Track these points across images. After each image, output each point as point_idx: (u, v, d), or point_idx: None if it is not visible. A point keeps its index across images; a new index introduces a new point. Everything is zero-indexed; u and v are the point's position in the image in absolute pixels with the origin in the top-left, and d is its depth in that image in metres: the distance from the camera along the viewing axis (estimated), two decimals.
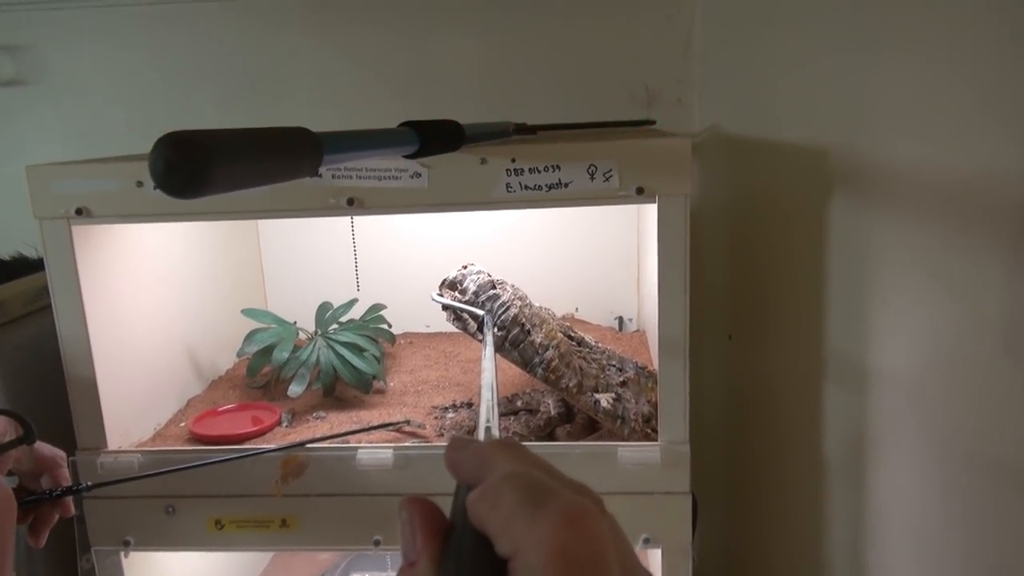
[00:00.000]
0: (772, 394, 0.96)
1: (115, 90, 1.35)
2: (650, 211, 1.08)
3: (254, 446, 0.79)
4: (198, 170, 0.30)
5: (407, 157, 0.58)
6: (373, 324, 1.05)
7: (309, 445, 0.78)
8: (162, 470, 0.72)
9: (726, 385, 1.14)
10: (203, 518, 0.80)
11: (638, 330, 1.22)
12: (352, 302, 1.03)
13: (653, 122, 1.15)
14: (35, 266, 0.95)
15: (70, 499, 0.57)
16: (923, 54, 0.56)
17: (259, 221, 1.21)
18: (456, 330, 1.24)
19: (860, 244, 0.68)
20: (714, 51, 1.25)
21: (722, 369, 1.15)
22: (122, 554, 0.81)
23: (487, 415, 0.39)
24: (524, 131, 0.96)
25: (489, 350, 0.61)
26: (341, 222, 1.21)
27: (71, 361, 0.77)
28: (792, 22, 0.89)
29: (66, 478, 0.57)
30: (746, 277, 1.06)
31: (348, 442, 0.82)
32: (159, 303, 0.94)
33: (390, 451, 0.77)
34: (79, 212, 0.73)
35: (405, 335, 1.23)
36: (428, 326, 1.25)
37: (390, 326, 1.09)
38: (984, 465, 0.50)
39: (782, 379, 0.92)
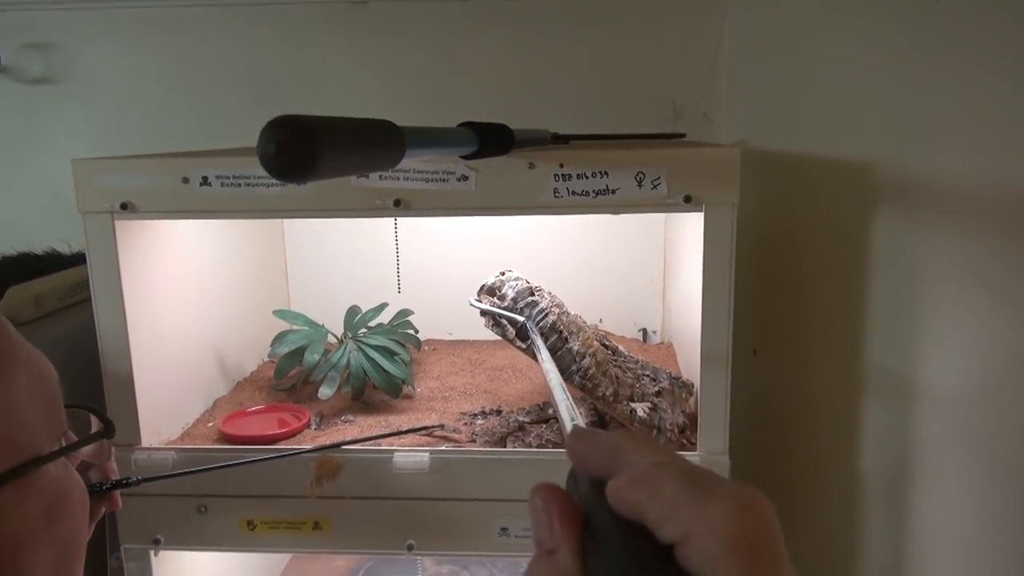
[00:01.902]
0: (805, 410, 0.95)
1: (143, 91, 1.36)
2: (679, 223, 1.09)
3: (291, 446, 0.79)
4: (309, 155, 0.30)
5: (464, 158, 0.58)
6: (401, 329, 1.04)
7: (344, 447, 0.77)
8: (202, 468, 0.71)
9: (752, 400, 1.13)
10: (235, 518, 0.79)
11: (662, 342, 1.21)
12: (382, 306, 1.03)
13: (683, 135, 1.15)
14: (68, 261, 0.95)
15: (118, 493, 0.56)
16: (972, 65, 0.56)
17: (285, 221, 1.21)
18: (480, 338, 1.25)
19: (907, 258, 0.68)
20: (741, 67, 1.25)
21: (747, 384, 1.14)
22: (152, 553, 0.80)
23: (569, 413, 0.38)
24: (558, 141, 0.96)
25: (545, 352, 0.61)
26: (368, 224, 1.21)
27: (108, 356, 0.76)
28: (825, 37, 0.89)
29: (115, 471, 0.56)
30: (773, 292, 1.06)
31: (380, 445, 0.82)
32: (190, 301, 0.93)
33: (426, 455, 0.77)
34: (123, 207, 0.73)
35: (428, 342, 1.23)
36: (451, 333, 1.25)
37: (417, 332, 1.09)
38: None
39: (816, 395, 0.91)
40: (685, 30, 1.31)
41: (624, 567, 0.23)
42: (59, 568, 0.41)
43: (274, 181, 0.68)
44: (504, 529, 0.77)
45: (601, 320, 1.24)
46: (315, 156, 0.30)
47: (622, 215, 1.10)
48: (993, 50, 0.55)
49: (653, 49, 1.32)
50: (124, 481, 0.58)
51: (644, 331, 1.22)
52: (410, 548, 0.78)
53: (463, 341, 1.24)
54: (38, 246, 1.01)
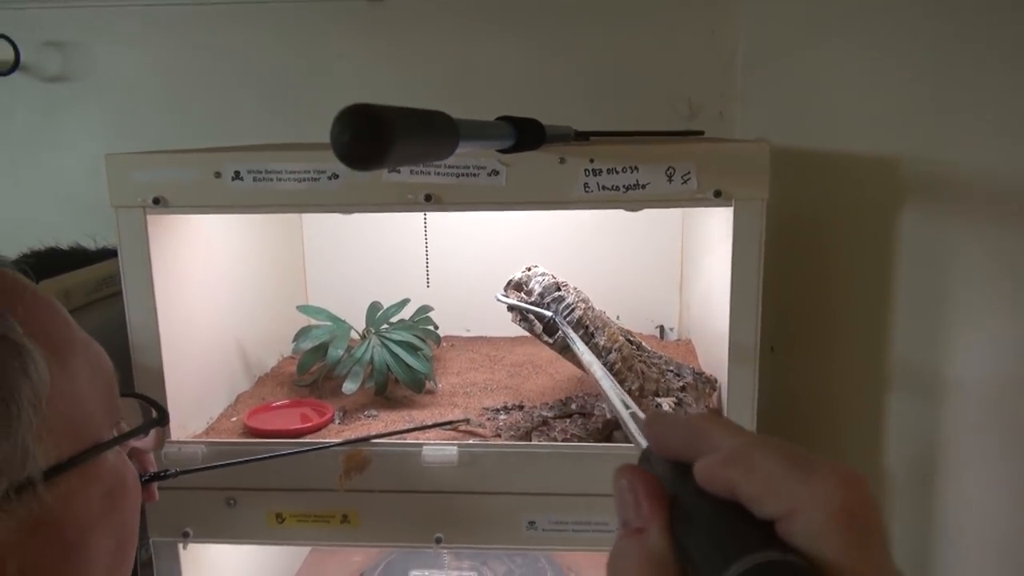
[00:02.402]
0: (827, 407, 0.96)
1: (159, 88, 1.36)
2: (697, 220, 1.09)
3: (321, 440, 0.79)
4: (382, 144, 0.30)
5: (500, 151, 0.58)
6: (422, 325, 1.05)
7: (374, 441, 0.78)
8: (237, 460, 0.72)
9: (769, 397, 1.14)
10: (263, 511, 0.80)
11: (679, 339, 1.22)
12: (404, 302, 1.04)
13: (702, 133, 1.16)
14: (94, 256, 0.95)
15: (155, 485, 0.57)
16: (995, 57, 0.57)
17: (304, 216, 1.22)
18: (497, 335, 1.25)
19: (937, 254, 0.69)
20: (757, 65, 1.26)
21: (765, 380, 1.15)
22: (180, 545, 0.80)
23: (620, 400, 0.39)
24: (579, 137, 0.97)
25: (581, 344, 0.62)
26: (386, 219, 1.21)
27: (139, 350, 0.77)
28: (839, 34, 0.90)
29: (152, 463, 0.57)
30: (791, 288, 1.06)
31: (405, 439, 0.82)
32: (214, 296, 0.94)
33: (455, 449, 0.77)
34: (156, 201, 0.74)
35: (446, 338, 1.23)
36: (468, 330, 1.26)
37: (437, 328, 1.09)
38: None
39: (840, 391, 0.92)
40: (700, 28, 1.31)
41: (721, 542, 0.24)
42: (116, 553, 0.42)
43: (307, 175, 0.69)
44: (532, 522, 0.78)
45: (618, 317, 1.24)
46: (387, 145, 0.30)
47: (640, 211, 1.11)
48: (1016, 42, 0.55)
49: (670, 48, 1.32)
50: (162, 473, 0.59)
51: (661, 328, 1.23)
52: (438, 541, 0.78)
53: (481, 338, 1.24)
54: (56, 242, 1.01)
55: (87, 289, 0.86)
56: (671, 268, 1.22)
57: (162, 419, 0.49)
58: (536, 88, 1.34)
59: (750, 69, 1.29)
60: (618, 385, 0.42)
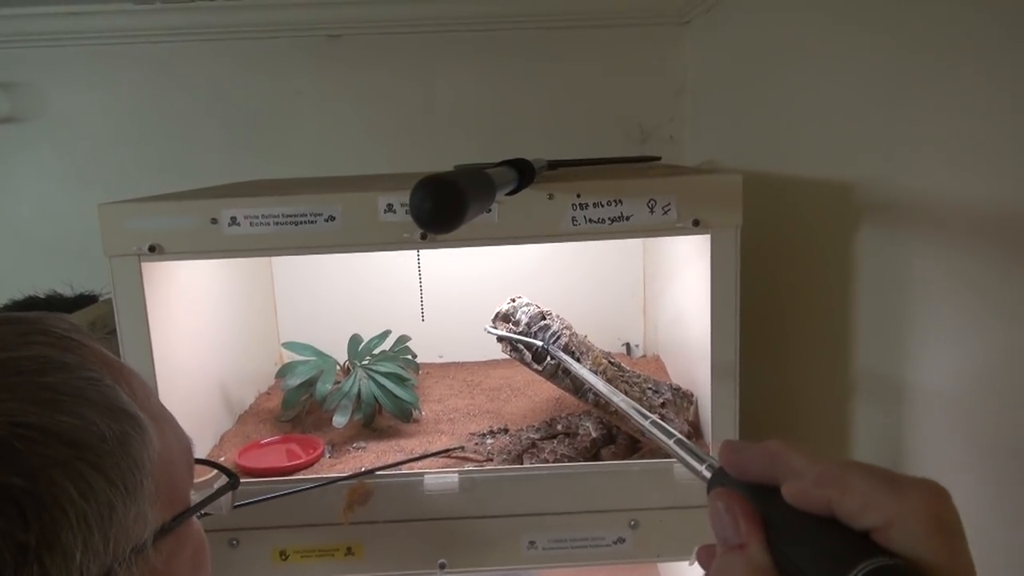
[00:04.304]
0: (794, 416, 1.02)
1: (115, 128, 1.35)
2: (657, 245, 1.15)
3: (328, 474, 0.81)
4: (458, 211, 0.33)
5: (507, 194, 0.62)
6: (402, 355, 1.07)
7: (378, 473, 0.80)
8: (254, 499, 0.73)
9: (740, 408, 1.19)
10: (267, 550, 0.80)
11: (645, 355, 1.27)
12: (386, 334, 1.06)
13: (659, 158, 1.22)
14: (73, 303, 0.95)
15: None
16: (943, 79, 0.64)
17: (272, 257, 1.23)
18: (470, 360, 1.28)
19: (893, 270, 0.75)
20: (705, 90, 1.33)
21: None
22: None
23: (635, 409, 0.42)
24: (549, 167, 1.01)
25: (576, 366, 0.65)
26: (354, 257, 1.23)
27: None
28: (790, 60, 0.97)
29: None
30: (756, 304, 1.13)
31: (401, 469, 0.84)
32: (198, 337, 0.94)
33: (455, 475, 0.80)
34: (152, 249, 0.74)
35: (420, 366, 1.25)
36: (441, 356, 1.28)
37: (415, 356, 1.11)
38: None
39: (806, 402, 0.98)
40: (650, 56, 1.38)
41: (832, 552, 0.28)
42: None
43: (304, 219, 0.71)
44: (532, 542, 0.81)
45: (586, 336, 1.29)
46: (463, 212, 0.34)
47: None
48: (964, 67, 0.62)
49: (621, 75, 1.39)
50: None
51: (628, 345, 1.28)
52: (442, 567, 0.81)
53: (454, 363, 1.27)
54: (34, 290, 1.00)
55: None
56: (634, 288, 1.28)
57: (234, 483, 0.51)
58: (495, 119, 1.39)
59: (698, 94, 1.36)
60: (644, 410, 0.46)
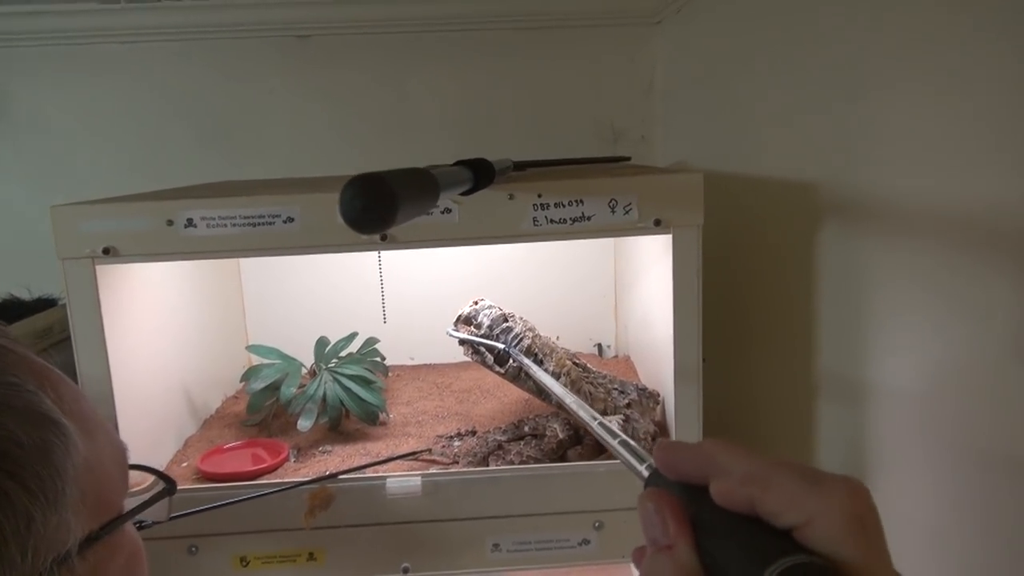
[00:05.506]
0: (758, 415, 1.02)
1: (80, 130, 1.33)
2: (628, 245, 1.15)
3: (290, 480, 0.80)
4: (389, 210, 0.33)
5: (462, 194, 0.61)
6: (370, 357, 1.06)
7: (340, 476, 0.79)
8: (207, 507, 0.72)
9: (704, 407, 1.20)
10: (227, 556, 0.79)
11: (616, 356, 1.27)
12: (352, 336, 1.05)
13: (629, 158, 1.22)
14: (31, 307, 0.93)
15: None
16: (912, 88, 0.64)
17: (241, 259, 1.21)
18: (441, 362, 1.27)
19: (855, 269, 0.75)
20: (676, 91, 1.33)
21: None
22: None
23: (603, 427, 0.42)
24: (516, 168, 1.01)
25: (533, 368, 0.65)
26: (321, 259, 1.22)
27: (93, 402, 0.76)
28: (757, 62, 0.97)
29: None
30: (720, 303, 1.13)
31: (365, 473, 0.83)
32: (159, 341, 0.93)
33: (418, 479, 0.79)
34: (106, 251, 0.73)
35: (391, 368, 1.24)
36: (412, 358, 1.27)
37: (383, 359, 1.11)
38: (998, 461, 0.57)
39: (770, 400, 0.98)
40: (620, 56, 1.38)
41: (752, 550, 0.28)
42: None
43: (263, 220, 0.70)
44: (496, 545, 0.80)
45: (558, 337, 1.28)
46: (395, 211, 0.33)
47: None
48: (924, 68, 0.62)
49: (592, 76, 1.38)
50: (137, 525, 0.59)
51: (599, 346, 1.28)
52: (405, 571, 0.80)
53: (425, 365, 1.26)
54: None
55: (29, 341, 0.84)
56: (605, 288, 1.27)
57: (172, 489, 0.50)
58: (467, 120, 1.38)
59: (669, 94, 1.36)
60: (593, 411, 0.46)
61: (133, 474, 0.51)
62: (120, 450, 0.44)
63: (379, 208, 0.33)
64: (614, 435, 0.40)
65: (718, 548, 0.29)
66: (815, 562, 0.27)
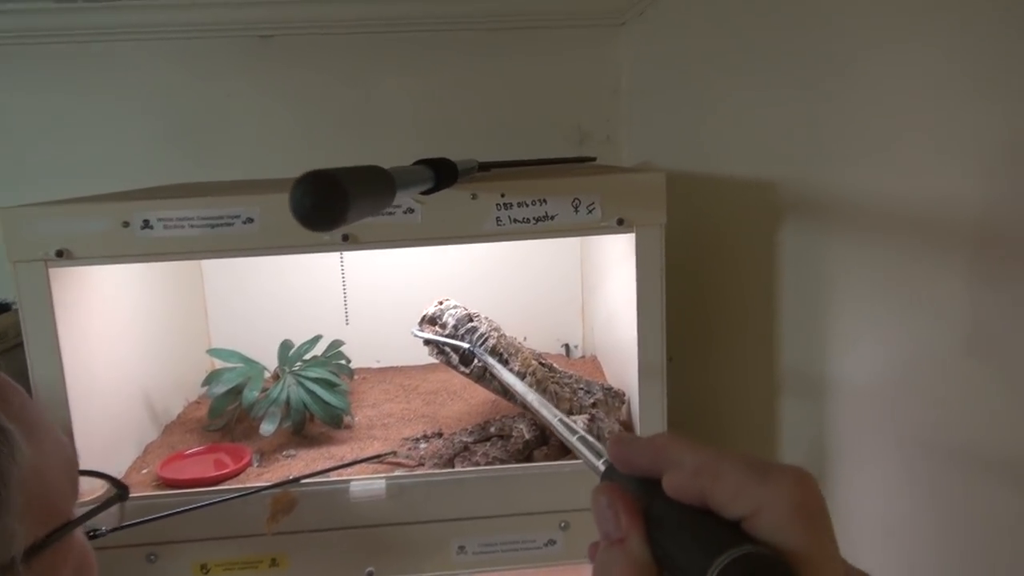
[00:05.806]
0: (723, 411, 1.03)
1: (38, 130, 1.30)
2: (595, 245, 1.15)
3: (250, 485, 0.79)
4: (340, 207, 0.32)
5: (423, 193, 0.61)
6: (335, 360, 1.05)
7: (303, 481, 0.78)
8: (164, 514, 0.70)
9: (669, 404, 1.20)
10: (187, 564, 0.78)
11: (584, 356, 1.27)
12: (316, 338, 1.04)
13: (594, 159, 1.22)
14: None
15: None
16: (869, 88, 0.65)
17: (202, 261, 1.19)
18: (407, 364, 1.26)
19: (816, 267, 0.76)
20: (641, 92, 1.34)
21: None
22: None
23: (564, 424, 0.42)
24: (481, 168, 1.00)
25: (497, 367, 0.64)
26: (287, 259, 1.21)
27: (45, 407, 0.74)
28: (721, 64, 0.98)
29: None
30: (684, 302, 1.14)
31: (329, 476, 0.83)
32: (117, 345, 0.91)
33: (382, 482, 0.78)
34: (59, 254, 0.71)
35: (357, 371, 1.23)
36: (378, 361, 1.26)
37: (349, 362, 1.10)
38: (952, 454, 0.58)
39: (734, 397, 0.99)
40: (587, 57, 1.38)
41: (701, 542, 0.28)
42: None
43: (221, 221, 0.69)
44: (462, 547, 0.80)
45: (525, 338, 1.28)
46: (347, 208, 0.32)
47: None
48: (881, 67, 0.63)
49: (558, 76, 1.38)
50: (91, 533, 0.58)
51: (567, 346, 1.28)
52: (370, 575, 0.79)
53: (392, 368, 1.25)
54: None
55: None
56: (572, 289, 1.28)
57: (123, 495, 0.49)
58: (433, 121, 1.37)
59: (634, 96, 1.37)
60: (555, 409, 0.45)
61: (89, 482, 0.49)
62: (70, 457, 0.43)
63: (330, 205, 0.32)
64: (573, 431, 0.40)
65: (669, 540, 0.29)
66: (761, 552, 0.27)
